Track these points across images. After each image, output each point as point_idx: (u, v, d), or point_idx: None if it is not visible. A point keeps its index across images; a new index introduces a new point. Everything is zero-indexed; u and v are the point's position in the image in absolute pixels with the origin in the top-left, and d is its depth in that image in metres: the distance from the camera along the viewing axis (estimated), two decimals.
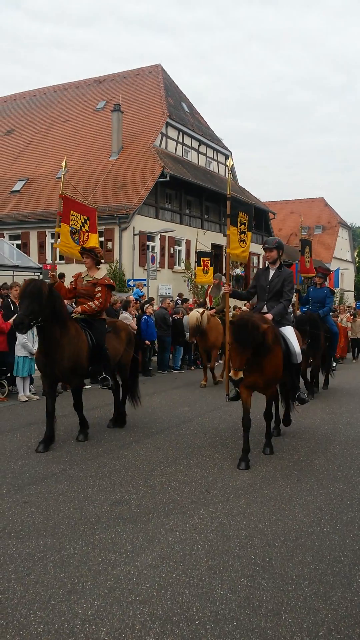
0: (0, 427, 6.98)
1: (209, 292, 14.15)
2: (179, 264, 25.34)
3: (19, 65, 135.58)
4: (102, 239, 22.84)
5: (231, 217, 7.51)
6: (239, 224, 7.72)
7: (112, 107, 25.65)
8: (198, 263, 16.29)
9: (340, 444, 6.45)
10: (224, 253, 28.35)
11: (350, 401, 9.68)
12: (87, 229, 8.20)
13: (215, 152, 30.77)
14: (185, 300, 17.55)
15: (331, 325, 10.66)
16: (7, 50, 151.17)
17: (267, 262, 6.33)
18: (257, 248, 32.16)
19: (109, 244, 22.48)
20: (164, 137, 26.07)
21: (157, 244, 23.67)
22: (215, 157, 30.82)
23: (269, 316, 5.81)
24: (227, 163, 8.03)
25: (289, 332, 6.06)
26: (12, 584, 3.15)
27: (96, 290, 6.48)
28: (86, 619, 2.83)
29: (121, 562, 3.43)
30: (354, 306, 26.49)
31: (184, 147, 27.81)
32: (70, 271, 18.61)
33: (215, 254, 28.02)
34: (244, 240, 7.85)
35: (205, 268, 16.17)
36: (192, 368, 14.19)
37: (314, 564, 3.47)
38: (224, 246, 32.44)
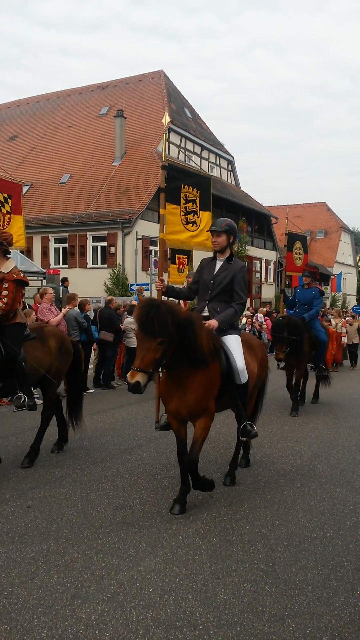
0: (3, 432, 6.99)
1: None
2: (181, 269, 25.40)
3: (26, 71, 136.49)
4: (105, 243, 22.95)
5: (167, 191, 5.78)
6: (182, 201, 5.97)
7: (115, 112, 25.78)
8: (172, 260, 14.75)
9: (343, 449, 6.44)
10: None
11: (352, 406, 9.66)
12: (9, 210, 6.72)
13: (217, 157, 30.88)
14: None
15: (318, 331, 9.17)
16: (13, 57, 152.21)
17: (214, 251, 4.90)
18: (259, 252, 32.25)
19: (112, 249, 22.57)
20: (167, 143, 26.18)
21: (159, 248, 23.74)
22: (217, 162, 30.91)
23: (213, 323, 4.44)
24: (163, 120, 6.26)
25: (232, 342, 4.58)
26: (16, 588, 3.15)
27: (3, 287, 5.20)
28: (90, 623, 2.83)
29: (124, 566, 3.43)
30: (349, 310, 25.57)
31: (186, 152, 27.89)
32: (74, 275, 18.76)
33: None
34: (193, 222, 6.17)
35: (181, 267, 14.57)
36: None
37: (317, 569, 3.47)
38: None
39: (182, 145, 27.46)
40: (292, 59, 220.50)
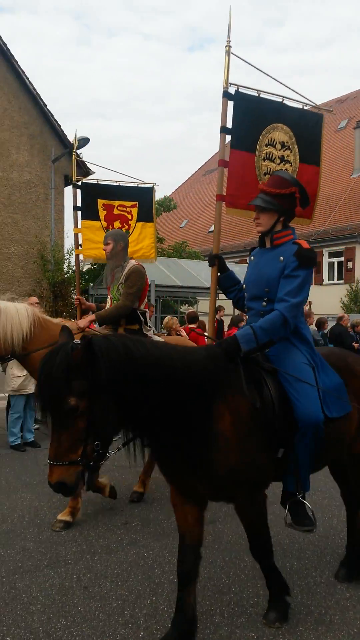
0: None
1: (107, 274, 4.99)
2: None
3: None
4: (341, 258, 22.29)
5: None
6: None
7: (354, 124, 25.04)
8: (90, 214, 6.01)
9: None
10: None
11: None
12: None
13: None
14: None
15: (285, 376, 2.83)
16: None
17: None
18: None
19: (350, 264, 21.81)
20: None
21: None
22: None
23: None
24: None
25: None
26: (260, 599, 3.26)
27: None
28: None
29: None
30: None
31: None
32: (310, 292, 18.62)
33: None
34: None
35: (124, 224, 6.17)
36: None
37: None
38: None
39: None
40: None
